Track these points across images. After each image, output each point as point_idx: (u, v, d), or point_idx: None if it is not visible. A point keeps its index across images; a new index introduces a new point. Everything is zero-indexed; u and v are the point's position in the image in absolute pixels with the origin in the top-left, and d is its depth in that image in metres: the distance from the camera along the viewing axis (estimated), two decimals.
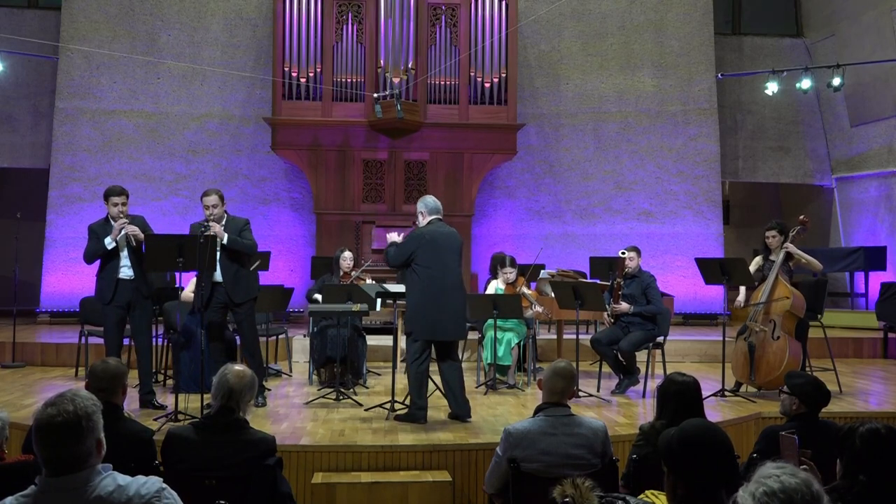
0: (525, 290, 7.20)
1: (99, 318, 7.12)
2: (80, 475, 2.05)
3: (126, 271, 5.67)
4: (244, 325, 5.93)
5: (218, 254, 5.75)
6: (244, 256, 5.91)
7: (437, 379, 5.80)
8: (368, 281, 7.17)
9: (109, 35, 10.70)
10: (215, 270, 5.76)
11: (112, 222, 5.65)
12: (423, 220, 5.57)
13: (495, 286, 7.29)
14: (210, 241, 5.32)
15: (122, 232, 5.57)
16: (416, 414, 5.40)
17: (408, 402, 5.63)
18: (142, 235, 5.61)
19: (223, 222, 5.84)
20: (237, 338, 6.33)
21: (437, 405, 5.67)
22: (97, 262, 5.74)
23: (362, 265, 7.78)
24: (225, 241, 5.73)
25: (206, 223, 5.69)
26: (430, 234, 5.43)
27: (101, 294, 5.71)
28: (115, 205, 5.63)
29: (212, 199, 5.80)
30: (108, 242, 5.59)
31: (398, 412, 5.55)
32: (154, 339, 6.16)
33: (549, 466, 3.34)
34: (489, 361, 6.88)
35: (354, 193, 10.20)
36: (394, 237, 5.73)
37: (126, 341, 6.02)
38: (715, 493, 2.13)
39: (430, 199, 5.64)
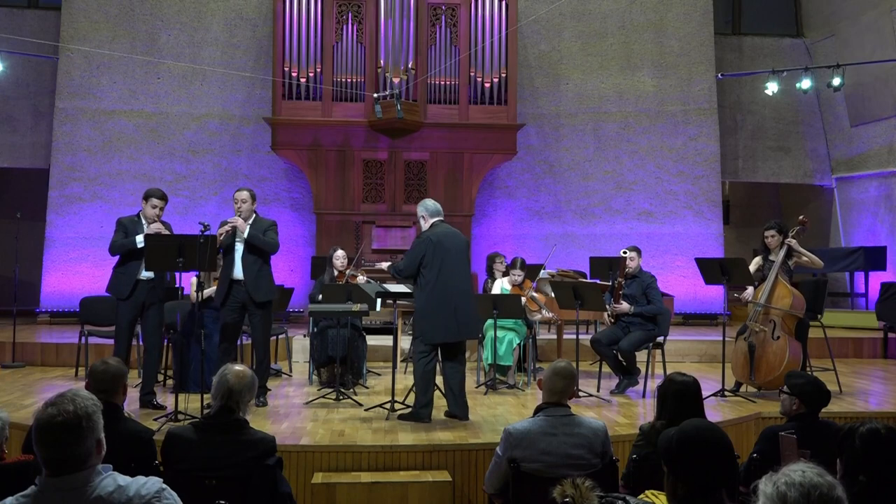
0: (535, 294, 7.16)
1: (99, 317, 7.16)
2: (80, 475, 2.05)
3: (146, 273, 5.69)
4: (259, 326, 5.91)
5: (240, 251, 5.79)
6: (267, 255, 5.93)
7: (438, 378, 5.80)
8: (361, 278, 7.13)
9: (109, 35, 10.70)
10: (234, 267, 5.80)
11: (144, 221, 5.71)
12: (425, 224, 5.58)
13: (500, 286, 7.27)
14: (210, 241, 5.32)
15: (154, 232, 5.60)
16: (420, 413, 5.40)
17: (408, 401, 5.64)
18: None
19: (251, 221, 5.88)
20: (243, 336, 6.33)
21: (437, 405, 5.66)
22: (108, 258, 5.78)
23: (362, 264, 7.76)
24: (246, 234, 5.77)
25: (205, 224, 5.69)
26: (437, 237, 5.43)
27: (117, 289, 5.72)
28: (155, 207, 5.72)
29: (242, 195, 5.89)
30: (140, 241, 5.62)
31: (401, 411, 5.56)
32: None
33: (549, 466, 3.34)
34: (489, 362, 6.87)
35: (354, 193, 10.21)
36: (384, 265, 5.97)
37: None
38: (715, 493, 2.13)
39: (430, 203, 5.66)
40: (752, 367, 6.32)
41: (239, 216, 5.83)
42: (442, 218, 5.60)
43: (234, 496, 3.01)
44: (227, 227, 5.75)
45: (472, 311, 5.54)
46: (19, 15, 11.21)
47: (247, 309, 5.90)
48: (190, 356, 6.39)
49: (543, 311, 7.14)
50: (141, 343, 6.13)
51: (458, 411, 5.44)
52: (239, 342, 6.45)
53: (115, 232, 5.72)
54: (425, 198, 5.95)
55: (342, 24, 10.08)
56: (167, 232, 5.67)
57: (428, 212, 5.58)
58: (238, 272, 5.81)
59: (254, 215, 5.94)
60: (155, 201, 5.72)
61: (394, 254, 9.63)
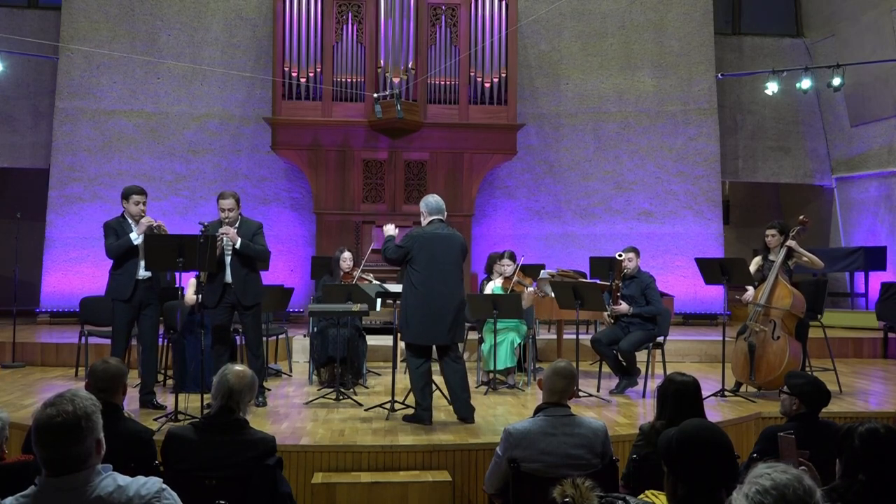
0: (516, 277, 7.11)
1: (99, 317, 7.15)
2: (79, 475, 2.05)
3: (143, 272, 5.71)
4: (250, 326, 5.96)
5: (229, 257, 5.81)
6: (255, 260, 5.95)
7: (439, 380, 5.80)
8: (374, 282, 7.15)
9: (109, 35, 10.70)
10: (225, 272, 5.79)
11: (129, 220, 5.72)
12: (423, 220, 5.51)
13: (492, 286, 7.26)
14: (210, 241, 5.33)
15: (146, 227, 5.62)
16: (421, 415, 5.38)
17: (408, 401, 5.63)
18: (167, 231, 5.73)
19: (237, 224, 5.88)
20: (237, 338, 6.34)
21: (437, 405, 5.66)
22: (99, 261, 5.79)
23: (361, 264, 7.76)
24: (238, 245, 5.78)
25: (205, 225, 5.69)
26: (428, 236, 5.35)
27: (117, 291, 5.72)
28: (137, 203, 5.73)
29: (228, 203, 5.85)
30: (135, 238, 5.64)
31: (402, 411, 5.56)
32: None
33: (549, 466, 3.34)
34: (489, 369, 6.82)
35: (354, 193, 10.21)
36: (390, 230, 5.61)
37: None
38: (715, 493, 2.13)
39: (431, 199, 5.51)
40: (752, 367, 6.32)
41: (226, 222, 5.82)
42: (442, 217, 5.47)
43: (234, 496, 3.01)
44: (220, 244, 5.72)
45: (459, 315, 5.37)
46: (19, 15, 11.21)
47: (236, 311, 5.93)
48: (190, 356, 6.39)
49: (527, 288, 7.04)
50: (137, 343, 6.14)
51: (463, 412, 5.41)
52: (238, 343, 6.46)
53: (106, 236, 5.71)
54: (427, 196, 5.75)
55: (342, 24, 10.08)
56: (159, 223, 5.69)
57: (428, 208, 5.48)
58: (228, 276, 5.84)
59: (240, 218, 5.94)
60: (136, 197, 5.73)
61: None
